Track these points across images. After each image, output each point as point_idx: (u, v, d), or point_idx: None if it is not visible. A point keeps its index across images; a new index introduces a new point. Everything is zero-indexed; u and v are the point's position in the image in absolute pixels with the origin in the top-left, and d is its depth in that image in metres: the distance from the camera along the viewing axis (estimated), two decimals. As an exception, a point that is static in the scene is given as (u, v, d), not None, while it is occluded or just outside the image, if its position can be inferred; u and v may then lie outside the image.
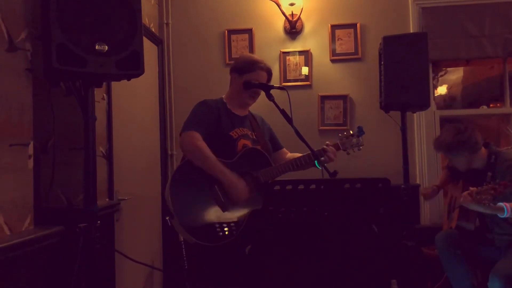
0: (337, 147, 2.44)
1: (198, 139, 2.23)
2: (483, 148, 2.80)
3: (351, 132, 2.52)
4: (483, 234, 2.87)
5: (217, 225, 2.17)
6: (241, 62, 2.45)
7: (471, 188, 2.46)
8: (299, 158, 2.37)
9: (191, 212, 2.15)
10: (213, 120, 2.34)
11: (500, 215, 2.45)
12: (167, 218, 2.25)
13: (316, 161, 2.28)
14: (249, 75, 2.39)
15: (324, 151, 2.37)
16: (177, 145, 3.85)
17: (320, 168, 2.16)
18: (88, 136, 1.93)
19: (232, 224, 2.19)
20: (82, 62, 1.78)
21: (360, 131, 2.50)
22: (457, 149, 2.76)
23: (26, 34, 1.96)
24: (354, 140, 2.49)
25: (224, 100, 2.48)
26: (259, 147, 2.41)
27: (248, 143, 2.38)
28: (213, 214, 2.18)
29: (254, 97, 2.44)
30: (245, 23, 3.93)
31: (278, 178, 2.32)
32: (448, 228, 3.03)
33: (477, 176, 2.74)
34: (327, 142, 2.44)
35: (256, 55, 3.61)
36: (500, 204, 2.40)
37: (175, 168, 2.27)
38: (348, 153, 2.50)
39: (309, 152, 2.24)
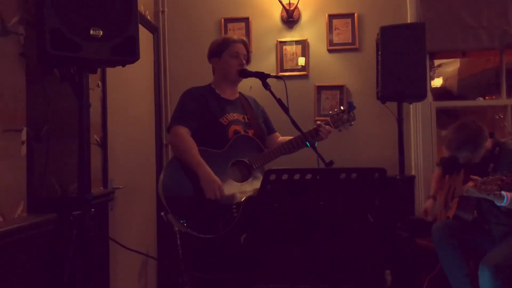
0: (327, 124, 2.37)
1: (182, 133, 2.22)
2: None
3: (341, 108, 2.47)
4: (480, 224, 2.88)
5: (213, 216, 2.16)
6: (214, 46, 2.46)
7: (472, 177, 2.46)
8: (290, 140, 2.34)
9: (186, 205, 2.14)
10: (200, 108, 2.32)
11: (498, 203, 2.46)
12: (162, 213, 2.25)
13: (307, 142, 2.23)
14: (227, 51, 2.39)
15: (316, 130, 2.33)
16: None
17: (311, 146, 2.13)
18: (82, 124, 1.91)
19: (227, 214, 2.18)
20: (76, 47, 1.75)
21: (351, 106, 2.43)
22: (475, 143, 2.70)
23: (19, 17, 1.92)
24: (345, 116, 2.42)
25: (212, 86, 2.46)
26: (251, 132, 2.39)
27: (240, 128, 2.36)
28: (208, 205, 2.15)
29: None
30: (241, 12, 3.89)
31: (271, 163, 2.31)
32: (445, 218, 3.03)
33: (479, 166, 2.73)
34: (318, 122, 2.39)
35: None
36: (502, 192, 2.42)
37: (169, 158, 2.26)
38: (340, 130, 2.44)
39: (299, 134, 2.22)
